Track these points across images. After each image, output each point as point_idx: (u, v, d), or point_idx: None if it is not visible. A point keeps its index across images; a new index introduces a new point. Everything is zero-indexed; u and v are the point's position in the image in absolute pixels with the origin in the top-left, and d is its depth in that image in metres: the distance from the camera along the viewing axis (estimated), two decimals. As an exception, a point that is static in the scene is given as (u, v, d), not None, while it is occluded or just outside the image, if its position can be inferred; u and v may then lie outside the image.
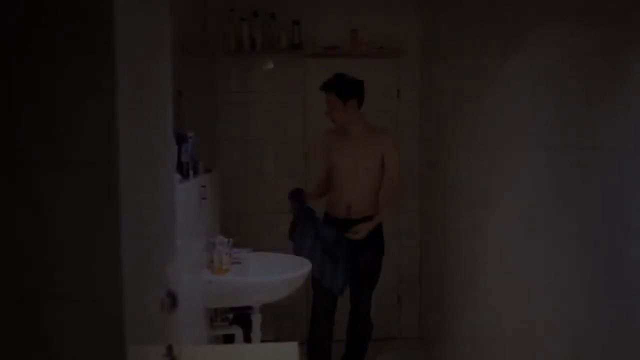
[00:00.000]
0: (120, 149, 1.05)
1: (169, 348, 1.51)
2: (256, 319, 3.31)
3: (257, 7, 4.41)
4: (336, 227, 3.92)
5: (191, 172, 2.70)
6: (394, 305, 4.85)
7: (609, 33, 1.87)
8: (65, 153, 1.05)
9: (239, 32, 4.38)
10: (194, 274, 2.70)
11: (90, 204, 1.06)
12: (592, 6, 1.97)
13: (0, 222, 1.05)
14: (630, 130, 1.73)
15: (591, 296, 1.96)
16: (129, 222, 1.10)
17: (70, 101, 1.04)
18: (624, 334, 1.78)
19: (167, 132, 1.71)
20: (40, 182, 1.05)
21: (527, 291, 2.50)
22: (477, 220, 3.19)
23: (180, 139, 2.57)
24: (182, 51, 3.17)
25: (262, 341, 3.36)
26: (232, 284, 3.11)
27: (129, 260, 1.10)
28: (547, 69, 2.30)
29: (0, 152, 1.04)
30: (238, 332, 3.31)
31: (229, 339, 3.49)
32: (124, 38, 1.08)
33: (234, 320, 3.40)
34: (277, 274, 3.27)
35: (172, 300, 1.51)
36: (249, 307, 3.35)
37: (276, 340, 4.17)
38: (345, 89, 3.77)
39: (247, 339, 3.32)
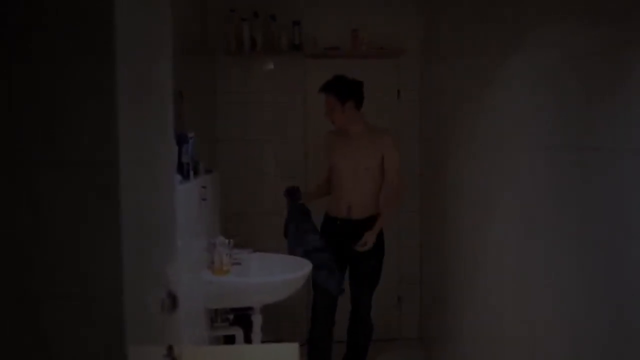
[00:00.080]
0: (120, 149, 1.06)
1: (170, 348, 1.51)
2: (257, 320, 3.31)
3: (258, 7, 4.41)
4: (336, 227, 3.93)
5: (192, 173, 2.70)
6: (394, 306, 4.84)
7: (609, 33, 1.87)
8: (65, 153, 1.05)
9: (239, 32, 4.38)
10: (194, 274, 2.70)
11: (90, 204, 1.06)
12: (592, 6, 1.97)
13: (0, 222, 1.05)
14: (630, 130, 1.73)
15: (591, 296, 1.96)
16: (129, 222, 1.10)
17: (70, 101, 1.04)
18: (624, 334, 1.78)
19: (168, 133, 1.71)
20: (40, 182, 1.05)
21: (527, 291, 2.50)
22: (477, 220, 3.19)
23: (181, 140, 2.56)
24: (182, 51, 3.17)
25: (263, 342, 3.35)
26: (232, 284, 3.11)
27: (129, 261, 1.10)
28: (547, 69, 2.30)
29: (0, 152, 1.04)
30: (238, 332, 3.31)
31: (229, 340, 3.49)
32: (124, 38, 1.08)
33: (235, 321, 3.39)
34: (277, 275, 3.27)
35: (173, 300, 1.51)
36: (250, 308, 3.35)
37: (277, 341, 4.17)
38: (344, 91, 3.78)
39: (248, 340, 3.32)
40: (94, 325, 1.08)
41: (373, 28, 4.52)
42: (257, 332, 3.30)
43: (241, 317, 3.42)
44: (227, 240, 3.19)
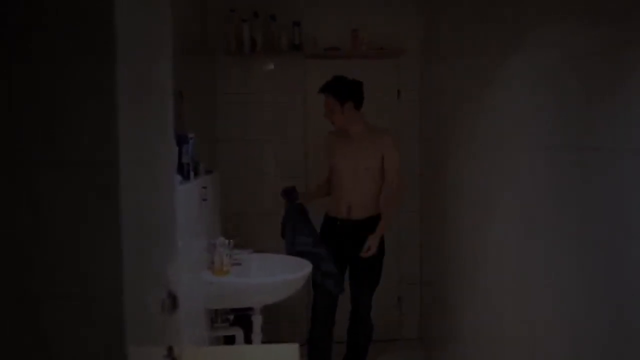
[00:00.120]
0: (120, 149, 1.06)
1: (170, 349, 1.51)
2: (257, 320, 3.31)
3: (258, 7, 4.41)
4: (337, 227, 3.93)
5: (192, 173, 2.70)
6: (395, 306, 4.84)
7: (609, 33, 1.87)
8: (65, 153, 1.05)
9: (239, 32, 4.38)
10: (194, 275, 2.70)
11: (90, 204, 1.06)
12: (592, 6, 1.97)
13: (0, 222, 1.05)
14: (630, 130, 1.73)
15: (591, 296, 1.96)
16: (129, 222, 1.10)
17: (70, 101, 1.04)
18: (624, 334, 1.78)
19: (168, 133, 1.71)
20: (40, 182, 1.05)
21: (527, 291, 2.50)
22: (477, 220, 3.19)
23: (181, 141, 2.56)
24: (182, 51, 3.17)
25: (263, 342, 3.36)
26: (232, 285, 3.11)
27: (129, 261, 1.10)
28: (547, 69, 2.30)
29: (0, 152, 1.04)
30: (239, 333, 3.31)
31: (229, 340, 3.49)
32: (124, 38, 1.08)
33: (235, 322, 3.39)
34: (277, 275, 3.27)
35: (173, 301, 1.51)
36: (250, 308, 3.35)
37: (277, 341, 4.17)
38: (343, 91, 3.78)
39: (248, 340, 3.32)
40: (94, 326, 1.08)
41: (373, 28, 4.52)
42: (257, 333, 3.30)
43: (241, 317, 3.42)
44: (227, 241, 3.20)
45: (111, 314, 1.08)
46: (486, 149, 3.03)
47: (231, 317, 3.40)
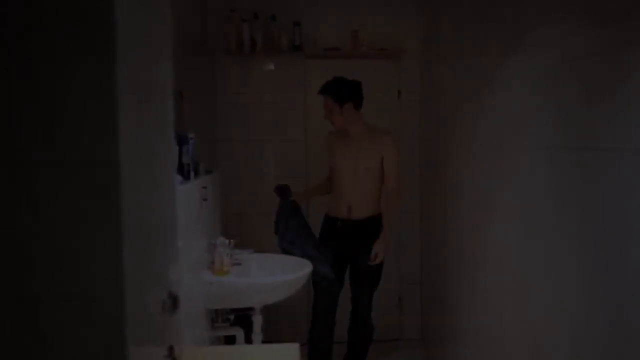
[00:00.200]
0: (120, 149, 1.06)
1: (170, 349, 1.51)
2: (257, 320, 3.31)
3: (258, 8, 4.41)
4: (337, 227, 3.93)
5: (192, 174, 2.70)
6: (395, 306, 4.84)
7: (609, 33, 1.87)
8: (65, 153, 1.05)
9: (239, 33, 4.38)
10: (195, 274, 2.70)
11: (91, 204, 1.06)
12: (592, 6, 1.97)
13: (0, 222, 1.05)
14: (630, 130, 1.73)
15: (591, 296, 1.96)
16: (129, 222, 1.10)
17: (70, 101, 1.04)
18: (624, 334, 1.78)
19: (168, 133, 1.71)
20: (40, 182, 1.05)
21: (527, 291, 2.50)
22: (477, 221, 3.19)
23: (181, 141, 2.56)
24: (182, 51, 3.17)
25: (263, 342, 3.36)
26: (233, 285, 3.11)
27: (130, 261, 1.10)
28: (547, 69, 2.30)
29: (0, 152, 1.04)
30: (239, 333, 3.31)
31: (230, 340, 3.49)
32: (124, 38, 1.08)
33: (235, 322, 3.40)
34: (278, 275, 3.27)
35: (173, 301, 1.52)
36: (250, 308, 3.35)
37: (277, 341, 4.17)
38: (342, 92, 3.78)
39: (248, 340, 3.32)
40: (94, 326, 1.08)
41: (373, 28, 4.52)
42: (257, 333, 3.31)
43: (242, 317, 3.42)
44: (227, 241, 3.20)
45: (111, 314, 1.08)
46: (486, 149, 3.03)
47: (231, 317, 3.40)
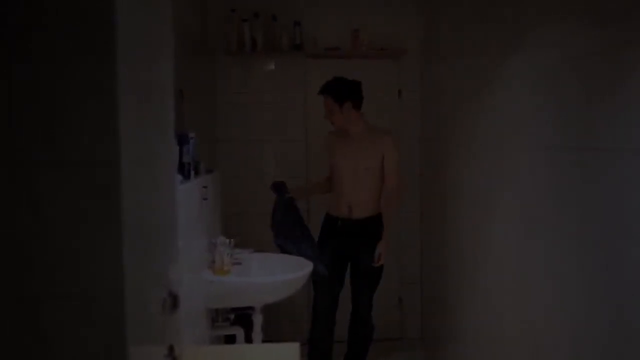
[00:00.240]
0: (121, 149, 1.06)
1: (170, 348, 1.51)
2: (257, 320, 3.31)
3: (258, 7, 4.41)
4: (337, 227, 3.94)
5: (192, 173, 2.70)
6: (395, 306, 4.84)
7: (609, 33, 1.87)
8: (65, 153, 1.05)
9: (240, 32, 4.38)
10: (195, 274, 2.70)
11: (91, 204, 1.06)
12: (592, 6, 1.98)
13: (0, 222, 1.05)
14: (630, 130, 1.73)
15: (591, 296, 1.96)
16: (129, 222, 1.10)
17: (70, 101, 1.04)
18: (624, 334, 1.78)
19: (169, 132, 1.71)
20: (40, 182, 1.05)
21: (527, 291, 2.50)
22: (478, 221, 3.19)
23: (182, 140, 2.57)
24: (183, 51, 3.17)
25: (264, 341, 3.36)
26: (233, 284, 3.11)
27: (130, 261, 1.10)
28: (547, 69, 2.30)
29: (0, 152, 1.04)
30: (239, 332, 3.31)
31: (230, 340, 3.49)
32: (124, 38, 1.08)
33: (235, 321, 3.40)
34: (278, 275, 3.27)
35: (174, 300, 1.52)
36: (250, 308, 3.35)
37: (277, 340, 4.17)
38: (341, 92, 3.79)
39: (249, 340, 3.32)
40: (94, 326, 1.08)
41: (373, 28, 4.52)
42: (257, 332, 3.31)
43: (242, 316, 3.43)
44: (227, 240, 3.20)
45: (111, 314, 1.08)
46: (486, 149, 3.03)
47: (232, 316, 3.41)
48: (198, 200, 2.84)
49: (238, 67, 4.57)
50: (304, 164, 4.67)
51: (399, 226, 4.60)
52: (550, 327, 2.28)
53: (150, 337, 1.34)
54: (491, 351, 2.98)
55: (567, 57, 2.13)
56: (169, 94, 1.68)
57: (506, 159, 2.75)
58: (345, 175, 3.89)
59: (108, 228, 1.06)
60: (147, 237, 1.33)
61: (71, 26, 1.04)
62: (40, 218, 1.05)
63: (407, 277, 4.81)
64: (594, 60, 1.94)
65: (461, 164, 3.52)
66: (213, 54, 4.46)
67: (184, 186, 2.48)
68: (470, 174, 3.33)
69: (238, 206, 4.54)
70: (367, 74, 4.14)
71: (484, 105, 3.04)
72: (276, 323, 4.13)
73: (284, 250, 3.82)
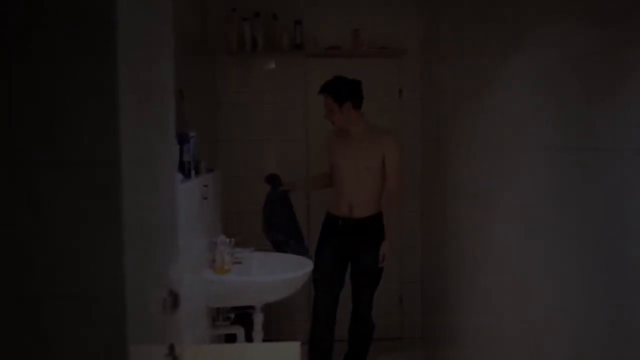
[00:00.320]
0: (121, 149, 1.06)
1: (171, 347, 1.51)
2: (258, 319, 3.32)
3: (259, 7, 4.41)
4: (338, 226, 3.94)
5: (193, 172, 2.70)
6: (396, 306, 4.84)
7: (609, 33, 1.87)
8: (65, 153, 1.05)
9: (240, 32, 4.38)
10: (195, 273, 2.70)
11: (91, 204, 1.06)
12: (592, 6, 1.98)
13: (0, 222, 1.05)
14: (630, 130, 1.73)
15: (591, 296, 1.96)
16: (129, 222, 1.10)
17: (70, 101, 1.05)
18: (624, 334, 1.78)
19: (169, 132, 1.71)
20: (40, 182, 1.05)
21: (527, 291, 2.50)
22: (478, 220, 3.19)
23: (182, 139, 2.57)
24: (183, 51, 3.17)
25: (264, 341, 3.36)
26: (234, 283, 3.12)
27: (130, 260, 1.10)
28: (547, 69, 2.30)
29: (0, 152, 1.04)
30: (240, 331, 3.31)
31: (230, 339, 3.49)
32: (125, 38, 1.08)
33: (236, 320, 3.40)
34: (278, 274, 3.27)
35: (174, 299, 1.52)
36: (251, 307, 3.35)
37: (278, 339, 4.17)
38: (341, 91, 3.79)
39: (249, 339, 3.33)
40: (94, 326, 1.08)
41: (373, 28, 4.52)
42: (258, 331, 3.31)
43: (242, 315, 3.43)
44: (228, 239, 3.20)
45: (112, 314, 1.08)
46: (486, 149, 3.03)
47: (232, 315, 3.41)
48: (198, 200, 2.84)
49: (238, 66, 4.58)
50: (304, 163, 4.67)
51: (399, 226, 4.60)
52: (550, 327, 2.28)
53: (150, 336, 1.34)
54: (491, 351, 2.98)
55: (567, 57, 2.13)
56: (169, 93, 1.68)
57: (506, 159, 2.75)
58: (346, 175, 3.89)
59: (108, 228, 1.07)
60: (147, 237, 1.34)
61: (71, 26, 1.04)
62: (40, 218, 1.05)
63: (407, 277, 4.81)
64: (594, 60, 1.94)
65: (461, 164, 3.52)
66: (213, 53, 4.46)
67: (185, 185, 2.48)
68: (470, 174, 3.33)
69: (238, 205, 4.53)
70: (367, 74, 4.14)
71: (484, 105, 3.04)
72: (277, 322, 4.13)
73: (274, 243, 3.85)
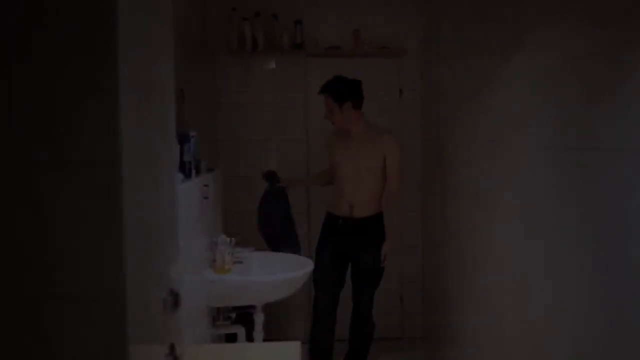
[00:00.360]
0: (121, 149, 1.06)
1: (172, 347, 1.51)
2: (258, 318, 3.32)
3: (259, 7, 4.41)
4: (339, 226, 3.94)
5: (193, 172, 2.70)
6: (396, 306, 4.84)
7: (609, 33, 1.87)
8: (65, 153, 1.05)
9: (241, 31, 4.38)
10: (196, 273, 2.70)
11: (91, 204, 1.06)
12: (592, 6, 1.98)
13: (0, 222, 1.05)
14: (630, 130, 1.73)
15: (591, 296, 1.96)
16: (130, 222, 1.10)
17: (70, 101, 1.05)
18: (624, 334, 1.78)
19: (169, 132, 1.72)
20: (40, 182, 1.06)
21: (527, 291, 2.50)
22: (478, 220, 3.19)
23: (183, 139, 2.57)
24: (183, 51, 3.18)
25: (265, 340, 3.36)
26: (234, 283, 3.12)
27: (131, 260, 1.10)
28: (547, 69, 2.30)
29: (0, 152, 1.04)
30: (240, 331, 3.31)
31: (231, 338, 3.49)
32: (125, 38, 1.09)
33: (237, 320, 3.40)
34: (279, 274, 3.28)
35: (175, 299, 1.52)
36: (252, 306, 3.36)
37: (278, 339, 4.17)
38: (341, 91, 3.79)
39: (250, 338, 3.33)
40: (94, 326, 1.08)
41: (373, 28, 4.51)
42: (258, 331, 3.31)
43: (243, 315, 3.43)
44: (228, 239, 3.20)
45: (112, 314, 1.08)
46: (486, 149, 3.03)
47: (233, 315, 3.41)
48: (199, 199, 2.84)
49: (239, 66, 4.58)
50: (305, 163, 4.67)
51: (399, 226, 4.60)
52: (550, 327, 2.28)
53: (151, 336, 1.34)
54: (491, 351, 2.98)
55: (567, 57, 2.13)
56: (170, 93, 1.68)
57: (506, 159, 2.75)
58: (346, 174, 3.89)
59: (108, 228, 1.07)
60: (147, 237, 1.34)
61: (71, 26, 1.04)
62: (40, 218, 1.06)
63: (407, 277, 4.81)
64: (594, 60, 1.94)
65: (461, 164, 3.52)
66: (213, 53, 4.46)
67: (185, 185, 2.48)
68: (470, 174, 3.33)
69: (239, 205, 4.53)
70: (368, 73, 4.14)
71: (484, 105, 3.04)
72: (277, 322, 4.13)
73: (267, 240, 3.86)
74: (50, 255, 1.06)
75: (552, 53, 2.26)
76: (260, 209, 4.01)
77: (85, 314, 1.08)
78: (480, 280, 3.16)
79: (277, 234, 3.92)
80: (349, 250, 3.92)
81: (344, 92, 3.79)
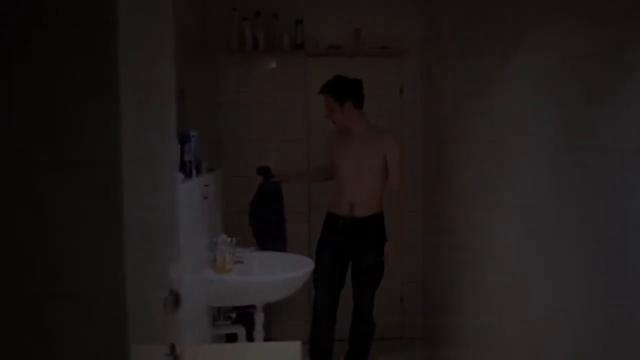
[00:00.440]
0: (121, 149, 1.06)
1: (172, 347, 1.51)
2: (259, 318, 3.32)
3: (259, 7, 4.41)
4: (339, 226, 3.94)
5: (194, 172, 2.70)
6: (396, 306, 4.84)
7: (609, 33, 1.87)
8: (65, 153, 1.05)
9: (241, 31, 4.38)
10: (196, 273, 2.71)
11: (91, 204, 1.06)
12: (592, 6, 1.98)
13: (0, 222, 1.05)
14: (630, 130, 1.73)
15: (591, 296, 1.97)
16: (130, 222, 1.10)
17: (70, 101, 1.05)
18: (624, 334, 1.78)
19: (170, 132, 1.72)
20: (40, 182, 1.06)
21: (527, 291, 2.50)
22: (478, 220, 3.19)
23: (183, 139, 2.57)
24: (183, 50, 3.18)
25: (265, 340, 3.36)
26: (234, 283, 3.12)
27: (131, 260, 1.10)
28: (547, 69, 2.30)
29: (0, 152, 1.04)
30: (241, 331, 3.31)
31: (231, 338, 3.50)
32: (125, 38, 1.09)
33: (237, 319, 3.41)
34: (279, 273, 3.28)
35: (175, 299, 1.52)
36: (252, 306, 3.36)
37: (279, 339, 4.18)
38: (342, 91, 3.79)
39: (250, 338, 3.33)
40: (94, 325, 1.08)
41: (373, 28, 4.52)
42: (259, 331, 3.32)
43: (243, 315, 3.43)
44: (229, 239, 3.20)
45: (112, 314, 1.08)
46: (486, 149, 3.03)
47: (233, 315, 3.41)
48: (199, 199, 2.85)
49: (239, 66, 4.58)
50: (305, 163, 4.67)
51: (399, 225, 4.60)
52: (550, 327, 2.28)
53: (151, 336, 1.34)
54: (491, 351, 2.98)
55: (567, 57, 2.13)
56: (170, 93, 1.68)
57: (506, 159, 2.75)
58: (347, 174, 3.89)
59: (108, 228, 1.07)
60: (147, 237, 1.34)
61: (71, 26, 1.04)
62: (40, 218, 1.06)
63: (408, 277, 4.81)
64: (594, 60, 1.94)
65: (461, 164, 3.52)
66: (214, 53, 4.46)
67: (186, 185, 2.48)
68: (471, 174, 3.33)
69: (239, 205, 4.53)
70: (368, 73, 4.14)
71: (484, 105, 3.04)
72: (277, 322, 4.13)
73: (256, 236, 3.86)
74: (50, 255, 1.06)
75: (552, 53, 2.26)
76: (252, 203, 4.02)
77: (86, 314, 1.08)
78: (480, 280, 3.16)
79: (264, 231, 3.92)
80: (350, 250, 3.92)
81: (344, 91, 3.79)
